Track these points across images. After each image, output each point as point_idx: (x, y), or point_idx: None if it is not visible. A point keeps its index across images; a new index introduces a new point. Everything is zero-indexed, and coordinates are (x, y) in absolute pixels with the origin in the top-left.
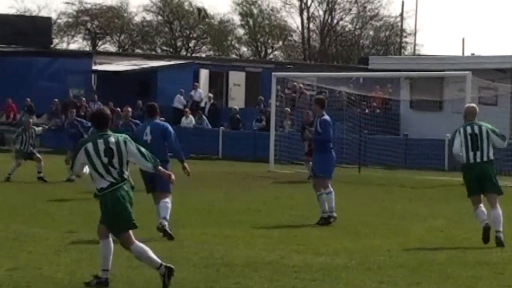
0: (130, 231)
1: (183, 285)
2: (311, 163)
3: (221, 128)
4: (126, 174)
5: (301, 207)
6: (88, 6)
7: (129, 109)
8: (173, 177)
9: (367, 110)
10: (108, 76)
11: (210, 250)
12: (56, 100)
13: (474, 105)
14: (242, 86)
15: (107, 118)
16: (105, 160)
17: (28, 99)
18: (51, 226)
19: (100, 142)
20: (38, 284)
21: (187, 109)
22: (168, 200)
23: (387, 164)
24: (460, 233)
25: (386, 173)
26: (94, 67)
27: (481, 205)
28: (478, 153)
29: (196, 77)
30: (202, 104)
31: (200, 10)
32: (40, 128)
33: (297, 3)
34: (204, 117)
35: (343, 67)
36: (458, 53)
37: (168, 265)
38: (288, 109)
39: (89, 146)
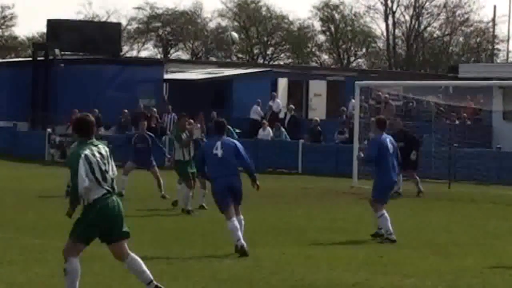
0: (125, 242)
1: None
2: (400, 176)
3: (301, 140)
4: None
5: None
6: (160, 11)
7: (145, 122)
8: None
9: (457, 122)
10: (180, 86)
11: (290, 271)
12: (125, 111)
13: None
14: (323, 96)
15: (92, 125)
16: (103, 167)
17: (96, 110)
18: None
19: (95, 149)
20: None
21: (264, 121)
22: (242, 216)
23: (478, 179)
24: None
25: (477, 189)
26: (166, 76)
27: None
28: None
29: (274, 87)
30: (281, 115)
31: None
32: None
33: (382, 8)
34: (282, 129)
35: (431, 75)
36: None
37: (160, 285)
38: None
39: (88, 153)
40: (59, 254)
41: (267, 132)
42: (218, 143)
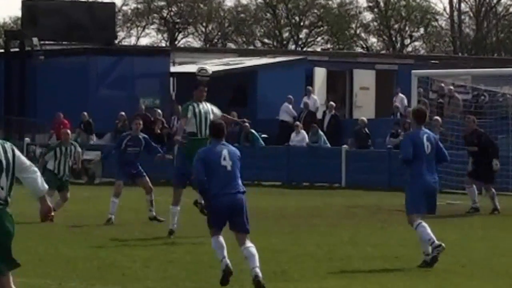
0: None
1: None
2: (475, 187)
3: (344, 146)
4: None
5: (454, 251)
6: None
7: (140, 121)
8: (52, 213)
9: None
10: (191, 80)
11: None
12: (122, 113)
13: None
14: (371, 90)
15: None
16: None
17: (85, 114)
18: (120, 283)
19: None
20: None
21: (298, 122)
22: (251, 244)
23: None
24: None
25: None
26: (173, 69)
27: None
28: None
29: (309, 79)
30: (319, 115)
31: None
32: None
33: None
34: (321, 132)
35: (507, 60)
36: None
37: None
38: (438, 118)
39: None
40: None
41: (301, 137)
42: (225, 152)
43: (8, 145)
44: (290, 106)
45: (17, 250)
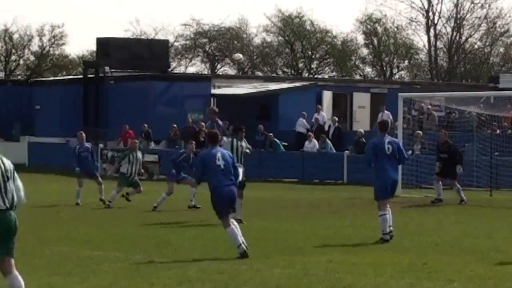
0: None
1: None
2: (440, 183)
3: (346, 152)
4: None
5: (430, 232)
6: (206, 27)
7: (193, 143)
8: None
9: (498, 131)
10: (227, 100)
11: (337, 278)
12: (174, 125)
13: None
14: (367, 108)
15: None
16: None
17: (146, 125)
18: (172, 256)
19: None
20: None
21: (310, 133)
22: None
23: None
24: None
25: None
26: (213, 91)
27: None
28: None
29: (319, 99)
30: (326, 128)
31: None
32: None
33: (424, 21)
34: (328, 141)
35: (472, 86)
36: None
37: None
38: (420, 132)
39: None
40: (115, 265)
41: (312, 145)
42: (219, 155)
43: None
44: (304, 121)
45: (94, 232)
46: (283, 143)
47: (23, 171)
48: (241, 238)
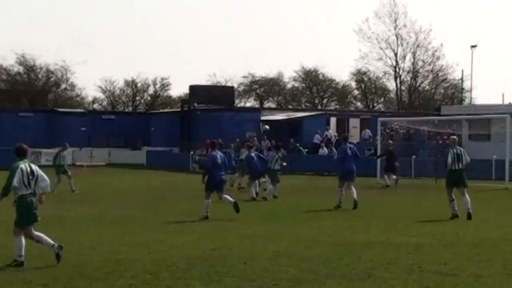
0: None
1: (318, 261)
2: (385, 176)
3: None
4: (35, 189)
5: (388, 208)
6: (257, 78)
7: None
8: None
9: (440, 141)
10: (270, 123)
11: (340, 234)
12: (237, 139)
13: (455, 137)
14: (357, 128)
15: (25, 151)
16: (31, 177)
17: (220, 139)
18: (237, 220)
19: (26, 165)
20: (229, 260)
21: (322, 143)
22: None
23: None
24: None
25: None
26: (262, 118)
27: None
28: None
29: (327, 122)
30: (332, 140)
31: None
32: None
33: (393, 73)
34: (333, 148)
35: (424, 114)
36: (500, 102)
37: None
38: (391, 141)
39: (23, 167)
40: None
41: (323, 151)
42: (219, 156)
43: (34, 165)
44: (318, 136)
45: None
46: (305, 150)
47: (143, 168)
48: (209, 210)
